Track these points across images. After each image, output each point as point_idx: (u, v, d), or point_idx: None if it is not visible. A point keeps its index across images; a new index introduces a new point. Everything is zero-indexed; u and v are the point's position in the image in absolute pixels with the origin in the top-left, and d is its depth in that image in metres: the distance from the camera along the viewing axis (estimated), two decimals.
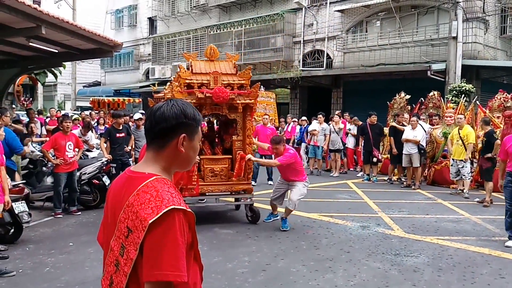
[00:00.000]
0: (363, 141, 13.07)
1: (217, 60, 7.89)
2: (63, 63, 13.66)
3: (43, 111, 17.78)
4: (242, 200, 8.13)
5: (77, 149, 8.46)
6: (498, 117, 11.43)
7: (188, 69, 7.66)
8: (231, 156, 7.70)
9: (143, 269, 1.52)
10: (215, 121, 9.68)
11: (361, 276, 5.33)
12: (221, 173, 7.59)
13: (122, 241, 1.59)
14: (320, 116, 13.66)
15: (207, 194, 7.70)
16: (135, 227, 1.54)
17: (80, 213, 8.41)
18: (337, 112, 15.99)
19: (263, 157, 10.91)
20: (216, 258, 5.82)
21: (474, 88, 14.62)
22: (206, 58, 7.95)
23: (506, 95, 11.63)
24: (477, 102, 12.78)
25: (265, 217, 7.86)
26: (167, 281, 1.49)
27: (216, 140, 8.39)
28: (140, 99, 21.73)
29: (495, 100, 11.79)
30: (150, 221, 1.50)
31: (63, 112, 18.16)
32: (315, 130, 13.49)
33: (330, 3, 19.90)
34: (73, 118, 11.86)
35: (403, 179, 12.31)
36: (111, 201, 1.74)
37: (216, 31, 23.60)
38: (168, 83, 14.00)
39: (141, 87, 27.39)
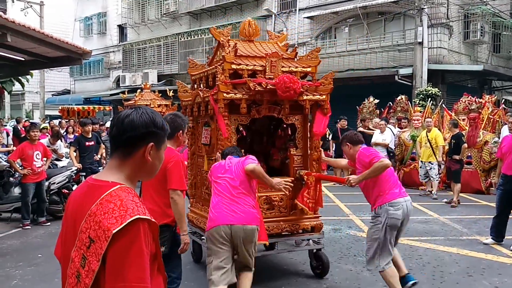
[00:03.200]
0: (334, 145, 13.28)
1: (258, 41, 5.77)
2: (31, 71, 13.40)
3: (2, 120, 17.19)
4: (305, 243, 5.59)
5: (45, 159, 8.31)
6: (463, 120, 11.76)
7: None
8: (292, 179, 5.14)
9: (106, 281, 1.47)
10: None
11: (334, 278, 5.38)
12: (280, 204, 5.16)
13: (84, 252, 1.54)
14: None
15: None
16: (97, 237, 1.49)
17: (49, 223, 8.25)
18: None
19: None
20: (188, 265, 5.79)
21: (440, 92, 15.01)
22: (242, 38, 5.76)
23: (470, 98, 11.96)
24: (443, 105, 13.11)
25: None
26: None
27: (260, 157, 5.58)
28: (111, 107, 21.52)
29: (460, 103, 12.11)
30: (114, 231, 1.46)
31: (31, 121, 17.77)
32: None
33: (299, 10, 20.14)
34: (41, 127, 11.65)
35: None
36: (71, 211, 1.68)
37: (187, 38, 23.58)
38: (139, 90, 13.93)
39: (111, 94, 27.06)
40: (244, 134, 6.13)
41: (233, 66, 4.95)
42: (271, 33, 6.19)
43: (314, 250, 5.42)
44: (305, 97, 5.08)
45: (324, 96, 5.20)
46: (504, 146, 6.83)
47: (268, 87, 4.87)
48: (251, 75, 5.03)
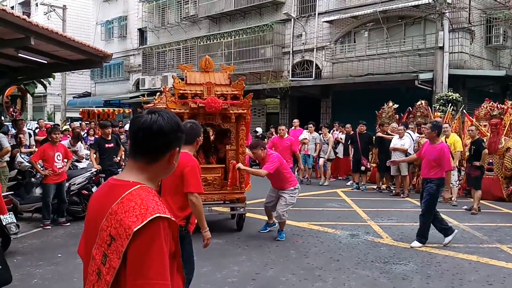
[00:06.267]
0: (352, 150, 13.22)
1: (212, 72, 7.89)
2: (53, 74, 13.60)
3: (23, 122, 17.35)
4: (236, 209, 7.98)
5: (66, 160, 8.43)
6: (484, 126, 11.59)
7: (182, 80, 7.63)
8: (224, 166, 7.68)
9: (127, 278, 1.49)
10: (211, 131, 9.33)
11: (350, 284, 5.35)
12: (214, 182, 7.52)
13: (104, 250, 1.56)
14: (311, 125, 13.76)
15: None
16: (118, 235, 1.52)
17: (69, 224, 8.36)
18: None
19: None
20: (205, 267, 5.81)
21: (461, 97, 14.80)
22: (201, 70, 7.97)
23: (492, 103, 11.79)
24: (464, 110, 12.95)
25: (260, 227, 7.83)
26: None
27: (212, 150, 8.45)
28: (130, 110, 21.74)
29: (482, 108, 11.95)
30: (135, 229, 1.48)
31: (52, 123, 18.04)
32: (306, 139, 13.56)
33: (318, 14, 20.12)
34: (62, 128, 11.83)
35: (392, 188, 12.39)
36: (92, 210, 1.70)
37: (206, 42, 23.72)
38: (158, 93, 14.06)
39: (131, 97, 27.37)
40: (212, 135, 9.07)
41: (180, 91, 7.34)
42: (224, 65, 8.46)
43: (237, 215, 7.95)
44: (231, 111, 7.37)
45: (245, 110, 7.50)
46: (426, 151, 7.10)
47: (200, 105, 7.21)
48: (194, 97, 7.33)
